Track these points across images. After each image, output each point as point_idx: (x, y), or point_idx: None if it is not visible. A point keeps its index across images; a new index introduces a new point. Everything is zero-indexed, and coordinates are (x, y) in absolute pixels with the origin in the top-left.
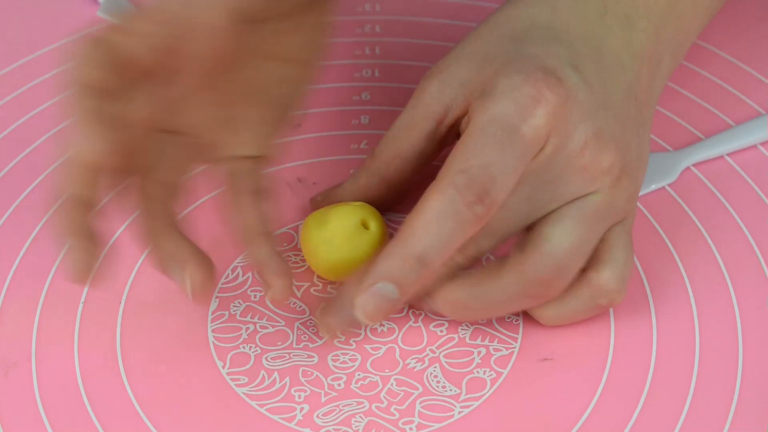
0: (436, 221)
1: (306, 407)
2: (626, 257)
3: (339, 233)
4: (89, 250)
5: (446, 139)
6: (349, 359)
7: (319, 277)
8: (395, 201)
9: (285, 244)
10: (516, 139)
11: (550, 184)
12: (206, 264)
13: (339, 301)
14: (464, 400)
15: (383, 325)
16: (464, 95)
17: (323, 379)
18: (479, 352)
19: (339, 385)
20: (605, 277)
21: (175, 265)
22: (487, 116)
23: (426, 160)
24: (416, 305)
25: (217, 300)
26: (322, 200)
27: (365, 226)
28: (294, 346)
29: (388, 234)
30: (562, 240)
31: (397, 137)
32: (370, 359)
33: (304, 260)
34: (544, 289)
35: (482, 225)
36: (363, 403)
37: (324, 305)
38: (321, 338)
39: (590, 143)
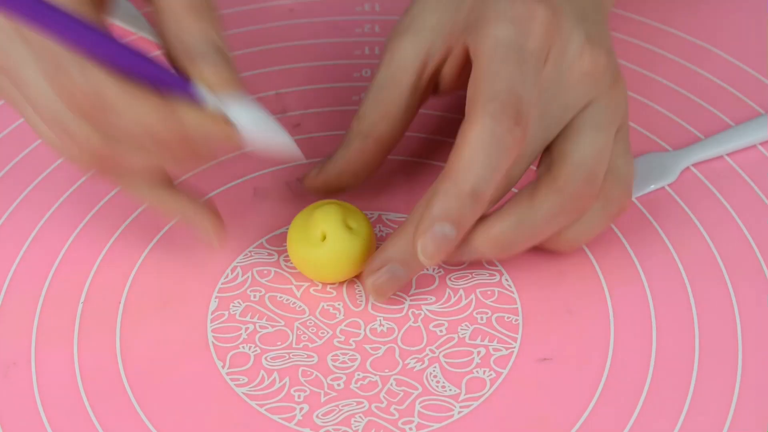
0: (482, 152)
1: (306, 407)
2: (626, 162)
3: (324, 235)
4: (202, 212)
5: (427, 90)
6: (348, 359)
7: None
8: (384, 160)
9: (284, 244)
10: (527, 56)
11: (560, 94)
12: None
13: (382, 258)
14: (464, 400)
15: (383, 325)
16: (443, 38)
17: (323, 379)
18: (479, 352)
19: (339, 385)
20: (610, 185)
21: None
22: (490, 42)
23: (412, 115)
24: (452, 255)
25: (217, 300)
26: (318, 174)
27: (348, 225)
28: (294, 346)
29: (372, 230)
30: (586, 149)
31: (379, 97)
32: (370, 359)
33: None
34: (581, 202)
35: (522, 146)
36: (363, 403)
37: (366, 268)
38: (321, 338)
39: (586, 47)
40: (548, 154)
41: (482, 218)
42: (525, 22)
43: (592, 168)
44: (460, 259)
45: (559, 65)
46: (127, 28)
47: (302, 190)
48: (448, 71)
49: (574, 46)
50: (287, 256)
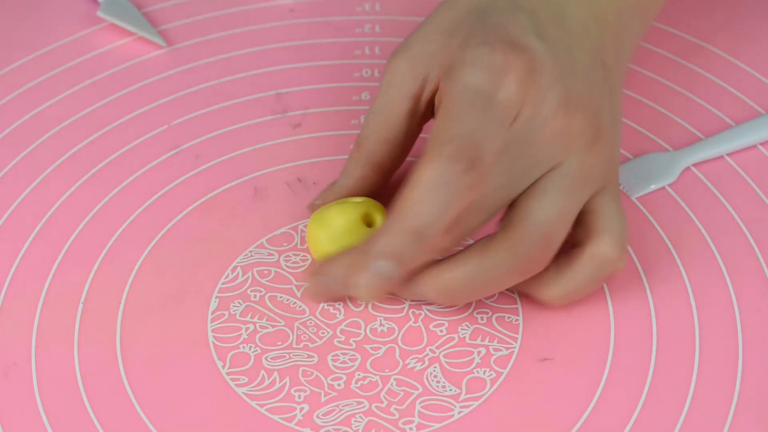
0: (431, 193)
1: (306, 407)
2: (620, 224)
3: (342, 230)
4: None
5: (426, 115)
6: (349, 359)
7: None
8: (389, 186)
9: (285, 244)
10: (493, 106)
11: (528, 153)
12: None
13: (324, 269)
14: (464, 400)
15: (383, 325)
16: (436, 68)
17: (323, 379)
18: (479, 352)
19: (339, 385)
20: (605, 247)
21: None
22: (460, 86)
23: (412, 140)
24: (400, 292)
25: (217, 300)
26: (321, 203)
27: (369, 220)
28: (294, 346)
29: None
30: (546, 211)
31: (378, 122)
32: (370, 359)
33: (304, 260)
34: (533, 263)
35: (476, 192)
36: (363, 403)
37: (311, 270)
38: (321, 338)
39: (561, 108)
40: (511, 209)
41: (433, 263)
42: (499, 73)
43: (549, 231)
44: (406, 298)
45: (531, 123)
46: (127, 27)
47: (303, 190)
48: (439, 100)
49: (548, 106)
50: (287, 256)
